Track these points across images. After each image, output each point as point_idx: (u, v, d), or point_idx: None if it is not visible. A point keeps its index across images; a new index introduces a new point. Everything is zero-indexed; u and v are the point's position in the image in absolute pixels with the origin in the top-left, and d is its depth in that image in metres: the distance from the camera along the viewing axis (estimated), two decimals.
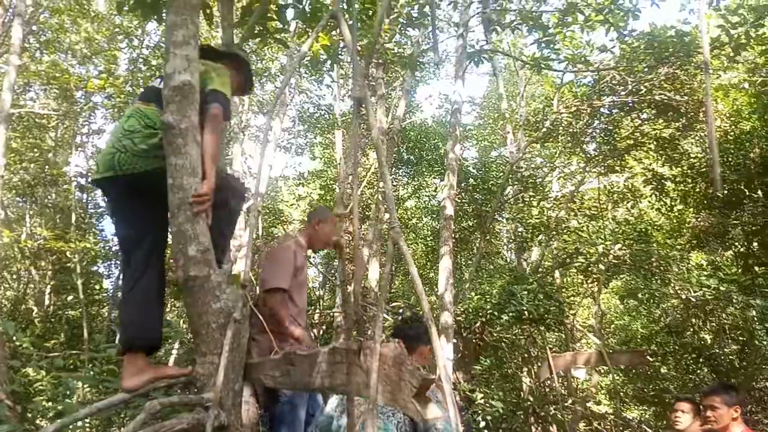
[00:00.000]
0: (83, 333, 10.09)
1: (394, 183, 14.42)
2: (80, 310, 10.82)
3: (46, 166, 12.21)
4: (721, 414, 3.92)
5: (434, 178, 13.48)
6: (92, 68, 12.24)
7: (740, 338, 10.39)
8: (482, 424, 7.06)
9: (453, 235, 9.40)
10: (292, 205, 16.03)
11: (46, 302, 12.25)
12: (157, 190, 2.54)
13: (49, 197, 12.97)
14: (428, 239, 13.37)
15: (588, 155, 10.23)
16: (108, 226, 14.02)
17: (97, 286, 13.18)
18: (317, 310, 10.86)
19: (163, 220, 2.59)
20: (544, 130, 9.56)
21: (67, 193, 12.78)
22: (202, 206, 2.49)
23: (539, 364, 10.16)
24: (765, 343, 9.08)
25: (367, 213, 12.05)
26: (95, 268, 13.39)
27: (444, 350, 6.11)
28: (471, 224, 10.60)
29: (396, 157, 12.85)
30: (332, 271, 14.39)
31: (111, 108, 11.86)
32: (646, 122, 9.26)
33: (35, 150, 12.35)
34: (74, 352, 8.89)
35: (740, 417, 3.93)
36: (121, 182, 2.62)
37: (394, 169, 13.81)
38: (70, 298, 11.77)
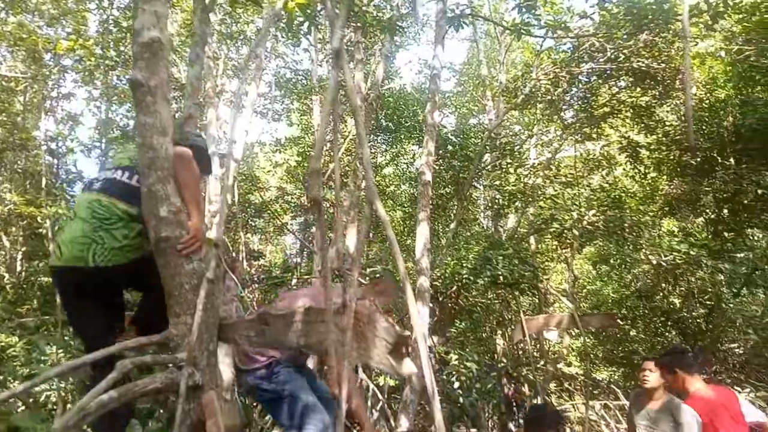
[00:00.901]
0: (56, 299, 9.97)
1: (373, 150, 14.33)
2: None
3: (15, 131, 11.86)
4: (680, 377, 4.22)
5: (413, 145, 13.43)
6: (61, 30, 11.82)
7: (708, 302, 10.71)
8: (456, 384, 7.21)
9: (430, 202, 9.44)
10: (269, 171, 15.88)
11: (18, 269, 12.05)
12: (125, 281, 2.66)
13: (18, 162, 12.63)
14: (406, 206, 13.40)
15: (565, 122, 10.27)
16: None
17: None
18: (294, 276, 10.88)
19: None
20: (523, 96, 9.55)
21: (37, 158, 12.47)
22: (191, 248, 2.49)
23: (513, 327, 10.38)
24: (731, 306, 9.39)
25: (344, 180, 11.99)
26: None
27: (420, 314, 6.18)
28: (449, 191, 10.64)
29: (374, 123, 12.75)
30: (309, 238, 14.38)
31: (81, 71, 11.50)
32: (623, 90, 9.30)
33: (3, 114, 11.98)
34: (46, 317, 8.80)
35: (690, 377, 4.17)
36: (90, 273, 2.55)
37: (372, 135, 13.70)
38: (41, 264, 11.59)
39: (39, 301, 10.48)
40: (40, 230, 11.61)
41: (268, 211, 14.22)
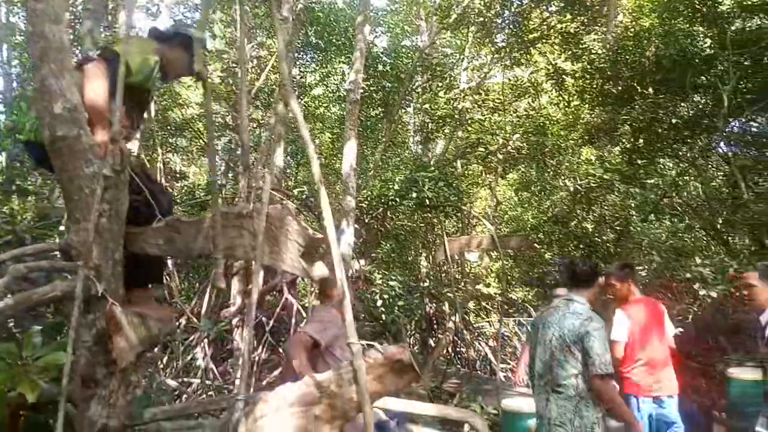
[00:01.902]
0: None
1: (301, 69, 13.82)
2: None
3: None
4: (618, 288, 4.66)
5: (343, 64, 13.02)
6: None
7: (617, 228, 11.39)
8: (379, 302, 7.40)
9: (359, 122, 9.29)
10: (189, 87, 15.00)
11: None
12: None
13: None
14: (335, 128, 13.15)
15: (496, 46, 10.23)
16: None
17: None
18: (218, 198, 10.58)
19: None
20: (456, 16, 9.36)
21: None
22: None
23: (436, 249, 10.68)
24: (639, 229, 10.01)
25: (270, 100, 11.59)
26: None
27: (346, 233, 6.21)
28: (378, 112, 10.49)
29: (303, 40, 12.21)
30: (235, 159, 13.94)
31: None
32: (554, 14, 9.30)
33: None
34: None
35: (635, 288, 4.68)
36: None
37: (301, 53, 13.17)
38: None
39: None
40: None
41: (191, 130, 13.56)
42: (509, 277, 12.91)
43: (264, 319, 8.29)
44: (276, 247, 2.00)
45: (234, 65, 13.36)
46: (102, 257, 2.35)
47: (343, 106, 12.95)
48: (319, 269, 1.95)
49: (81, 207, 2.34)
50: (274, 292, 8.45)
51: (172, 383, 7.13)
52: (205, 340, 8.13)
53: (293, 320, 7.69)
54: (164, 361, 8.09)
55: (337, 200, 8.33)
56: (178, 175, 14.12)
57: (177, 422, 2.81)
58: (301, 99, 12.29)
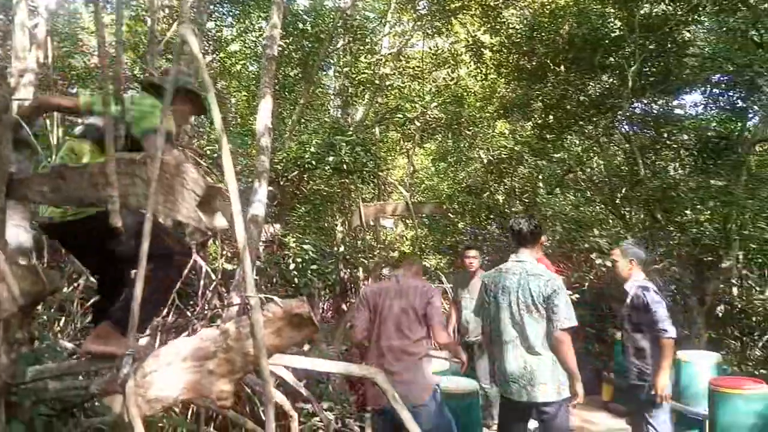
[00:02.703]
0: None
1: (217, 22, 13.15)
2: None
3: None
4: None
5: (262, 20, 12.51)
6: None
7: (526, 200, 11.91)
8: (292, 266, 7.33)
9: (276, 82, 9.01)
10: (93, 33, 13.91)
11: None
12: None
13: None
14: (252, 86, 12.68)
15: (418, 14, 10.21)
16: None
17: None
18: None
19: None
20: None
21: None
22: None
23: (352, 215, 10.70)
24: (545, 202, 10.49)
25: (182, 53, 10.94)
26: None
27: (259, 193, 6.04)
28: (297, 72, 10.21)
29: None
30: None
31: None
32: None
33: None
34: None
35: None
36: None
37: (217, 5, 12.52)
38: None
39: None
40: None
41: (94, 80, 12.62)
42: (423, 245, 13.19)
43: None
44: (171, 197, 1.89)
45: (144, 13, 12.52)
46: None
47: (260, 63, 12.48)
48: (219, 221, 1.87)
49: None
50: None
51: (69, 345, 6.76)
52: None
53: (201, 282, 7.46)
54: (61, 323, 7.66)
55: (252, 160, 8.11)
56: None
57: (64, 382, 2.66)
58: (216, 54, 11.74)
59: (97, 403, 3.17)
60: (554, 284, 3.53)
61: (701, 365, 5.28)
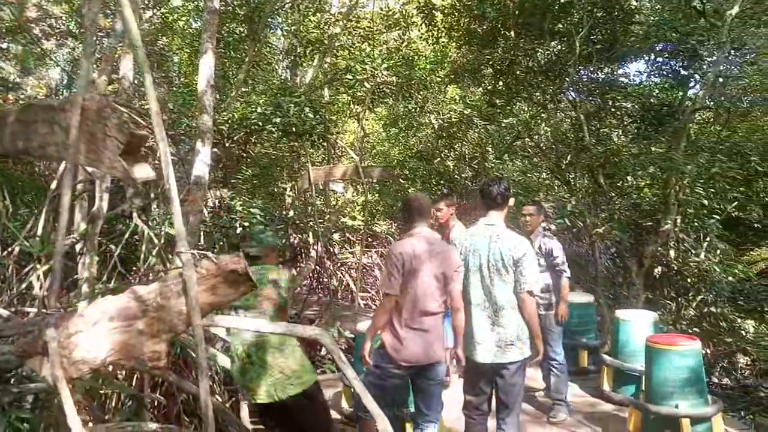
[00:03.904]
0: None
1: None
2: None
3: None
4: (445, 213, 5.45)
5: None
6: None
7: (475, 166, 12.02)
8: (239, 230, 7.17)
9: (221, 39, 8.65)
10: None
11: None
12: None
13: None
14: (196, 43, 12.13)
15: None
16: None
17: None
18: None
19: None
20: None
21: None
22: None
23: (301, 178, 10.53)
24: (493, 166, 10.60)
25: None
26: None
27: (201, 153, 5.82)
28: (242, 30, 9.81)
29: None
30: (78, 70, 12.43)
31: None
32: None
33: None
34: None
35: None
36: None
37: None
38: None
39: None
40: None
41: (25, 34, 11.79)
42: (374, 210, 13.18)
43: (112, 246, 7.70)
44: (93, 145, 1.75)
45: None
46: None
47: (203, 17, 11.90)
48: (144, 171, 1.75)
49: None
50: (123, 218, 7.83)
51: (4, 312, 6.45)
52: (42, 268, 7.41)
53: (144, 247, 7.20)
54: None
55: (195, 122, 7.80)
56: (11, 85, 12.34)
57: None
58: (157, 10, 11.16)
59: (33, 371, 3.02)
60: (524, 247, 3.57)
61: (638, 324, 5.48)
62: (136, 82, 9.97)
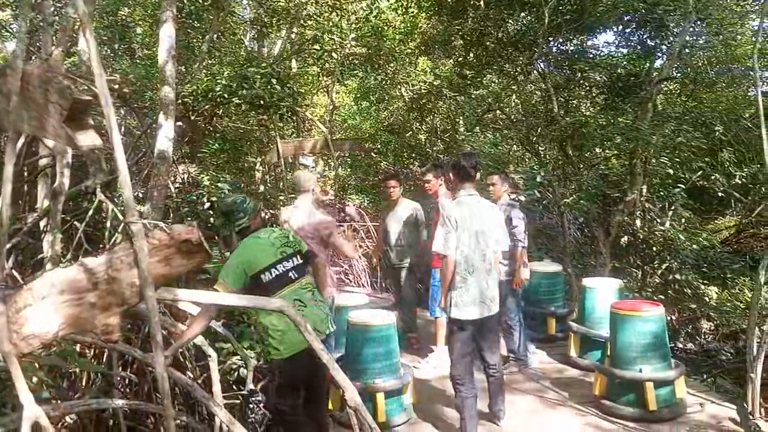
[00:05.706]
0: None
1: None
2: None
3: None
4: (433, 183, 5.70)
5: None
6: None
7: (446, 139, 12.00)
8: (207, 205, 7.05)
9: (182, 7, 8.38)
10: None
11: None
12: None
13: None
14: (158, 13, 11.73)
15: None
16: None
17: None
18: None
19: None
20: None
21: None
22: None
23: (270, 152, 10.38)
24: (464, 137, 10.60)
25: None
26: None
27: (164, 127, 5.69)
28: None
29: None
30: (36, 43, 11.96)
31: None
32: None
33: None
34: None
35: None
36: None
37: None
38: None
39: None
40: None
41: None
42: (346, 184, 13.11)
43: (77, 224, 7.52)
44: (35, 112, 1.68)
45: None
46: None
47: None
48: (90, 139, 1.68)
49: None
50: (87, 194, 7.64)
51: None
52: (5, 246, 7.21)
53: (109, 224, 7.05)
54: None
55: (155, 87, 7.59)
56: None
57: None
58: None
59: None
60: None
61: (604, 291, 5.60)
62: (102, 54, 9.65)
